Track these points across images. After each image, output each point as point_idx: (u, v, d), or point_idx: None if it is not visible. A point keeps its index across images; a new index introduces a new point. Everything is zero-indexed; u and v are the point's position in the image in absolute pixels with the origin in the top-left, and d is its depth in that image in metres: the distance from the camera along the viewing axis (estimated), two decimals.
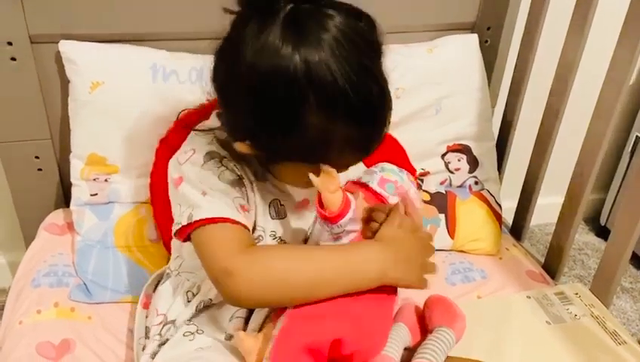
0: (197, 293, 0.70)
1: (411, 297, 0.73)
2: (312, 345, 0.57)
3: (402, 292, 0.80)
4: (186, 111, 0.86)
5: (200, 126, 0.69)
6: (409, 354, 0.66)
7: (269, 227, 0.69)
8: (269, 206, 0.68)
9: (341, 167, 0.63)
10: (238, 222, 0.61)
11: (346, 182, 0.74)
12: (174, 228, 0.64)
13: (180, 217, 0.62)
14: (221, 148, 0.65)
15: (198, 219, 0.60)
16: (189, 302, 0.70)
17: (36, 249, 0.91)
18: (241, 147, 0.62)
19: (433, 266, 0.67)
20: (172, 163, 0.67)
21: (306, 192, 0.69)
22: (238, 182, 0.64)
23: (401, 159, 0.96)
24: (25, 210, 0.99)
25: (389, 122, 0.62)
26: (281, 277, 0.59)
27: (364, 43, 0.59)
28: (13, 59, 0.86)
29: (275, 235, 0.69)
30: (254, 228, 0.67)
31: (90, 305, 0.83)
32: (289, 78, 0.54)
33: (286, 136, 0.58)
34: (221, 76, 0.61)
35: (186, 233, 0.63)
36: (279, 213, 0.69)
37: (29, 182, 0.96)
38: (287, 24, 0.55)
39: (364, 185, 0.72)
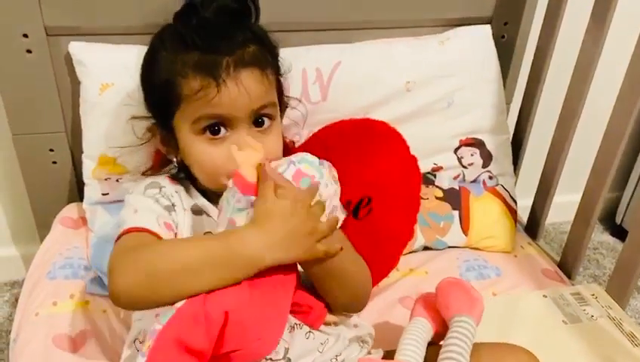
0: (143, 341, 0.66)
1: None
2: (190, 344, 0.55)
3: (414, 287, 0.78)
4: None
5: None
6: (433, 350, 0.64)
7: None
8: None
9: (202, 99, 0.65)
10: (153, 233, 0.64)
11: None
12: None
13: (116, 234, 0.66)
14: (167, 181, 0.73)
15: (124, 228, 0.65)
16: (137, 351, 0.66)
17: (51, 242, 0.92)
18: (152, 130, 0.76)
19: (326, 227, 0.61)
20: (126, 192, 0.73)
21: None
22: (170, 209, 0.69)
23: (398, 150, 0.94)
24: (39, 203, 0.99)
25: (250, 63, 0.66)
26: (147, 269, 0.57)
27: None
28: (29, 51, 0.86)
29: None
30: None
31: (105, 298, 0.83)
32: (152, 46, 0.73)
33: (150, 85, 0.72)
34: None
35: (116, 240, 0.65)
36: None
37: (44, 175, 0.96)
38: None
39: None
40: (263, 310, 0.59)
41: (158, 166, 0.83)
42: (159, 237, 0.64)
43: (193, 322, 0.56)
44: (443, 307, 0.67)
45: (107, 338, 0.77)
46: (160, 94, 0.70)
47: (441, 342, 0.65)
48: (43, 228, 0.97)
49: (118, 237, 0.65)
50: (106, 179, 0.90)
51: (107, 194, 0.91)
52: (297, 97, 0.89)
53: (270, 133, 0.71)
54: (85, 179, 0.91)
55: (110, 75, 0.86)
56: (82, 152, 0.90)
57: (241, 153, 0.64)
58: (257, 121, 0.69)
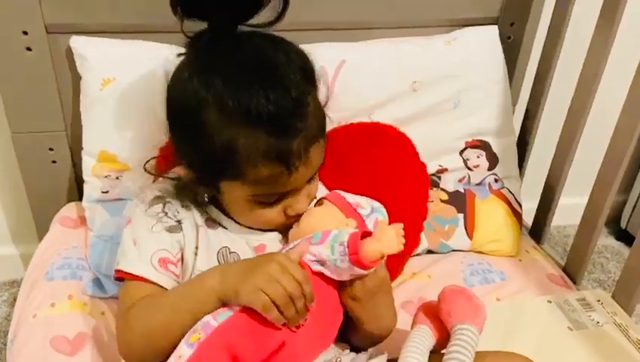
0: None
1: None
2: (238, 352, 0.56)
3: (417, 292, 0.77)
4: None
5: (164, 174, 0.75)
6: (435, 359, 0.64)
7: None
8: (217, 253, 0.69)
9: (269, 184, 0.62)
10: (149, 281, 0.65)
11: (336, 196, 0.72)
12: (114, 266, 0.69)
13: (117, 258, 0.69)
14: (174, 193, 0.70)
15: (121, 269, 0.67)
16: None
17: (50, 242, 0.91)
18: (181, 171, 0.69)
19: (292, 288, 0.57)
20: (130, 203, 0.74)
21: (261, 237, 0.70)
22: (174, 229, 0.67)
23: (407, 155, 0.94)
24: (38, 202, 0.98)
25: (315, 136, 0.63)
26: (141, 331, 0.61)
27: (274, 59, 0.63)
28: (29, 49, 0.85)
29: None
30: (194, 273, 0.68)
31: (103, 299, 0.82)
32: (189, 95, 0.62)
33: (196, 146, 0.63)
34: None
35: (116, 276, 0.68)
36: (227, 260, 0.69)
37: (43, 174, 0.95)
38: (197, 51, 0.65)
39: (360, 218, 0.70)
40: (314, 343, 0.61)
41: (164, 167, 0.80)
42: (155, 284, 0.65)
43: (249, 333, 0.57)
44: (445, 315, 0.66)
45: (105, 341, 0.76)
46: (210, 162, 0.63)
47: (443, 351, 0.64)
48: (42, 227, 0.96)
49: (119, 275, 0.67)
50: (105, 177, 0.89)
51: (107, 192, 0.90)
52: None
53: (315, 178, 0.69)
54: (85, 177, 0.89)
55: (112, 69, 0.85)
56: (82, 149, 0.89)
57: (384, 242, 0.61)
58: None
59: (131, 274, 0.66)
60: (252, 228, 0.71)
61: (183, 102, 0.64)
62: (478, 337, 0.64)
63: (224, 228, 0.71)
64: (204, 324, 0.57)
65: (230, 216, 0.70)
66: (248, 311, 0.58)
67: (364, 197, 0.73)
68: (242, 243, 0.70)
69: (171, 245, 0.67)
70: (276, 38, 0.66)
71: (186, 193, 0.70)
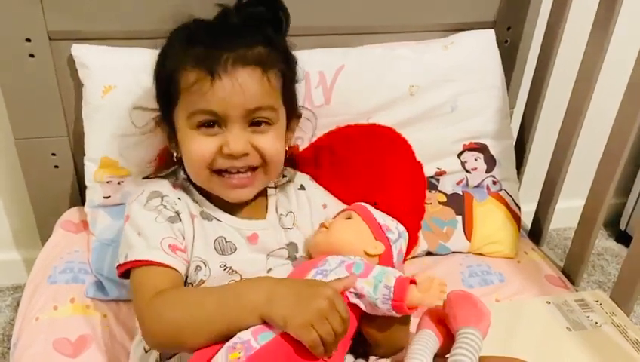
0: None
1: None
2: None
3: None
4: None
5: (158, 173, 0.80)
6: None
7: (214, 259, 0.70)
8: (214, 243, 0.71)
9: (196, 93, 0.66)
10: (163, 264, 0.66)
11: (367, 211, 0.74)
12: (116, 263, 0.69)
13: (120, 256, 0.69)
14: (170, 188, 0.73)
15: (130, 260, 0.67)
16: (146, 352, 0.69)
17: (52, 246, 0.91)
18: (158, 124, 0.75)
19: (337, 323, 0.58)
20: (127, 201, 0.74)
21: (252, 227, 0.73)
22: (174, 219, 0.69)
23: (404, 154, 0.94)
24: (41, 206, 0.99)
25: (250, 63, 0.66)
26: (172, 328, 0.61)
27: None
28: (32, 55, 0.87)
29: (225, 266, 0.71)
30: (192, 260, 0.70)
31: (105, 302, 0.83)
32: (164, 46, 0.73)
33: (158, 79, 0.71)
34: None
35: (121, 270, 0.68)
36: (225, 250, 0.72)
37: (46, 179, 0.96)
38: None
39: (387, 243, 0.72)
40: None
41: (161, 167, 0.83)
42: (169, 267, 0.66)
43: (287, 359, 0.57)
44: (450, 318, 0.68)
45: (107, 343, 0.77)
46: (163, 87, 0.71)
47: (447, 355, 0.64)
48: (45, 231, 0.97)
49: (127, 265, 0.67)
50: (107, 182, 0.90)
51: (109, 197, 0.91)
52: (305, 106, 0.88)
53: (267, 134, 0.70)
54: (87, 182, 0.90)
55: (113, 77, 0.86)
56: (84, 155, 0.90)
57: (429, 295, 0.63)
58: (253, 123, 0.69)
59: (144, 260, 0.66)
60: (243, 219, 0.73)
61: (160, 53, 0.73)
62: (481, 341, 0.65)
63: (218, 220, 0.72)
64: (245, 344, 0.57)
65: (204, 192, 0.73)
66: (289, 337, 0.58)
67: (389, 219, 0.75)
68: (235, 233, 0.72)
69: (175, 234, 0.69)
70: None
71: (169, 175, 0.76)
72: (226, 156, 0.68)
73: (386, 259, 0.72)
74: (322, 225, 0.74)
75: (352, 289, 0.63)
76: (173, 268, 0.67)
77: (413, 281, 0.63)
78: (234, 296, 0.61)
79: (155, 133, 0.82)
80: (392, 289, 0.61)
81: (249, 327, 0.59)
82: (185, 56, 0.67)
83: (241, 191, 0.71)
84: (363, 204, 0.77)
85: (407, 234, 0.76)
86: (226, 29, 0.70)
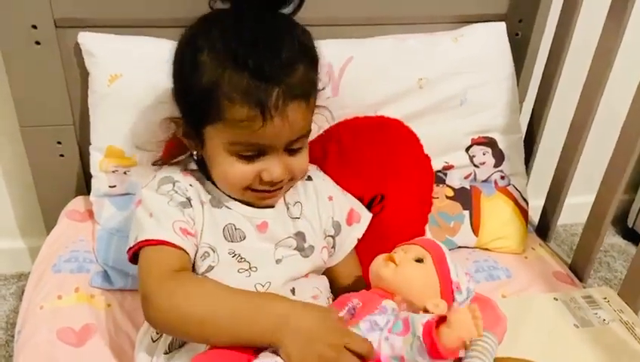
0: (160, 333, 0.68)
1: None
2: None
3: None
4: None
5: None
6: None
7: (223, 246, 0.70)
8: (223, 229, 0.71)
9: (245, 129, 0.63)
10: (174, 245, 0.65)
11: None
12: (126, 248, 0.69)
13: (130, 239, 0.68)
14: (181, 175, 0.72)
15: (141, 239, 0.66)
16: (153, 341, 0.69)
17: (57, 235, 0.91)
18: (177, 123, 0.72)
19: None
20: (138, 188, 0.73)
21: (262, 215, 0.73)
22: (186, 204, 0.69)
23: (412, 147, 0.93)
24: (46, 195, 0.99)
25: (297, 96, 0.64)
26: (180, 314, 0.61)
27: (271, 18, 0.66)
28: (38, 43, 0.86)
29: (234, 253, 0.70)
30: (200, 246, 0.69)
31: (109, 292, 0.83)
32: (189, 41, 0.67)
33: (188, 86, 0.66)
34: None
35: (131, 253, 0.68)
36: (234, 237, 0.71)
37: (51, 167, 0.96)
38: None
39: (451, 303, 0.68)
40: None
41: (168, 157, 0.82)
42: (181, 249, 0.66)
43: None
44: None
45: (111, 333, 0.76)
46: (198, 101, 0.66)
47: (461, 355, 0.64)
48: (50, 220, 0.97)
49: (138, 246, 0.66)
50: (113, 172, 0.89)
51: (114, 186, 0.90)
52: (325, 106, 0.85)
53: (299, 154, 0.70)
54: (92, 172, 0.90)
55: (119, 65, 0.85)
56: (90, 144, 0.89)
57: (460, 328, 0.58)
58: (291, 148, 0.68)
59: (155, 239, 0.65)
60: (253, 207, 0.72)
61: (183, 47, 0.68)
62: (497, 345, 0.64)
63: (228, 208, 0.72)
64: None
65: (216, 184, 0.71)
66: None
67: (462, 273, 0.69)
68: (245, 221, 0.72)
69: (186, 218, 0.68)
70: (285, 15, 0.68)
71: (190, 172, 0.73)
72: (264, 182, 0.68)
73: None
74: (391, 259, 0.68)
75: (389, 352, 0.60)
76: (184, 250, 0.66)
77: (443, 320, 0.58)
78: (247, 315, 0.61)
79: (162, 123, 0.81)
80: (422, 338, 0.57)
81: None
82: (229, 84, 0.63)
83: (270, 201, 0.73)
84: (441, 245, 0.71)
85: (474, 293, 0.70)
86: (266, 46, 0.63)
